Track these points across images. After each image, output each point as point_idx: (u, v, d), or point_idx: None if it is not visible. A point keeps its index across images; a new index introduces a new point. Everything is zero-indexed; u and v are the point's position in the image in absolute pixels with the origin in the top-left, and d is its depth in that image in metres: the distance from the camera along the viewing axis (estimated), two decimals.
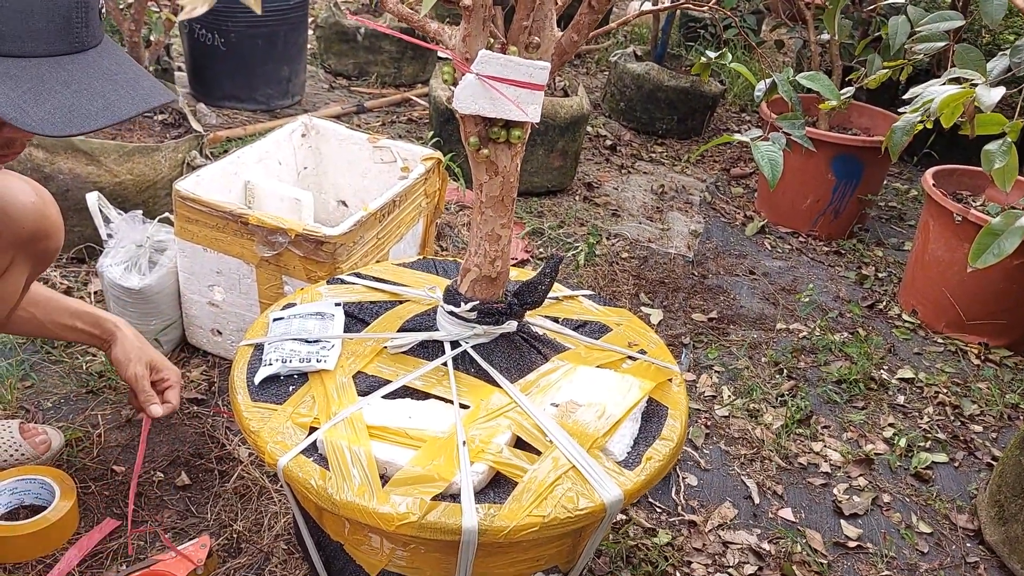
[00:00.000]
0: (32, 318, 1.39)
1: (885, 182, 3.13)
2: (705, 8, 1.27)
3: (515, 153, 1.15)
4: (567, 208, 2.80)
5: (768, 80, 1.36)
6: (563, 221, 2.70)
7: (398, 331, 1.27)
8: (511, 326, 1.23)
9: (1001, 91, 1.05)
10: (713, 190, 3.13)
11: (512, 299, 1.24)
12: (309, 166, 2.11)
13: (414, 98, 3.51)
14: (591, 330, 1.38)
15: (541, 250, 2.49)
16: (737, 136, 1.33)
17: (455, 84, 1.09)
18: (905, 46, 1.31)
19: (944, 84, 1.32)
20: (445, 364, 1.20)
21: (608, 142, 3.45)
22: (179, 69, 3.20)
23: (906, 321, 2.39)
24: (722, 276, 2.52)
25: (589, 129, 3.41)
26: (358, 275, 1.47)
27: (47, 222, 1.24)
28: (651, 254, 2.57)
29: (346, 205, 2.16)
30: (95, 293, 1.94)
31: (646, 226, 2.77)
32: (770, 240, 2.79)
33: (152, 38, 2.47)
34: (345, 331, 1.28)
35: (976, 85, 1.08)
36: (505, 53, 1.08)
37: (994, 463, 1.86)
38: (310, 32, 3.59)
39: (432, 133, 2.79)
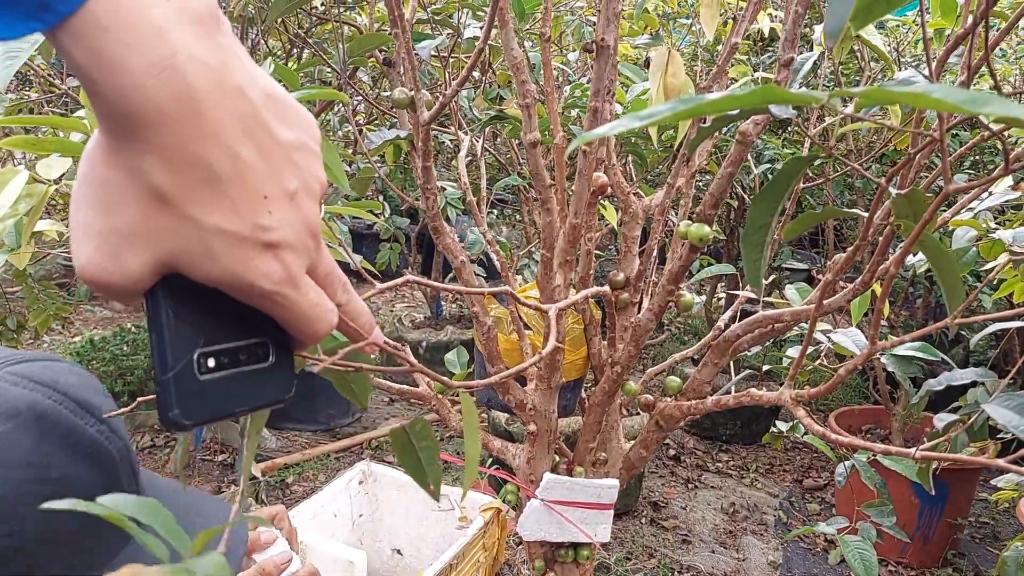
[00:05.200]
0: None
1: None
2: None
3: (583, 572, 1.07)
4: (633, 534, 2.65)
5: (848, 464, 1.29)
6: (630, 552, 2.53)
7: None
8: None
9: None
10: (787, 507, 2.95)
11: None
12: (365, 513, 2.05)
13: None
14: None
15: None
16: (821, 527, 1.23)
17: (517, 506, 1.04)
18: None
19: None
20: None
21: (671, 451, 3.35)
22: None
23: None
24: None
25: None
26: None
27: None
28: None
29: (401, 554, 2.06)
30: None
31: (720, 555, 2.58)
32: None
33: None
34: None
35: None
36: (571, 474, 1.04)
37: None
38: None
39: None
